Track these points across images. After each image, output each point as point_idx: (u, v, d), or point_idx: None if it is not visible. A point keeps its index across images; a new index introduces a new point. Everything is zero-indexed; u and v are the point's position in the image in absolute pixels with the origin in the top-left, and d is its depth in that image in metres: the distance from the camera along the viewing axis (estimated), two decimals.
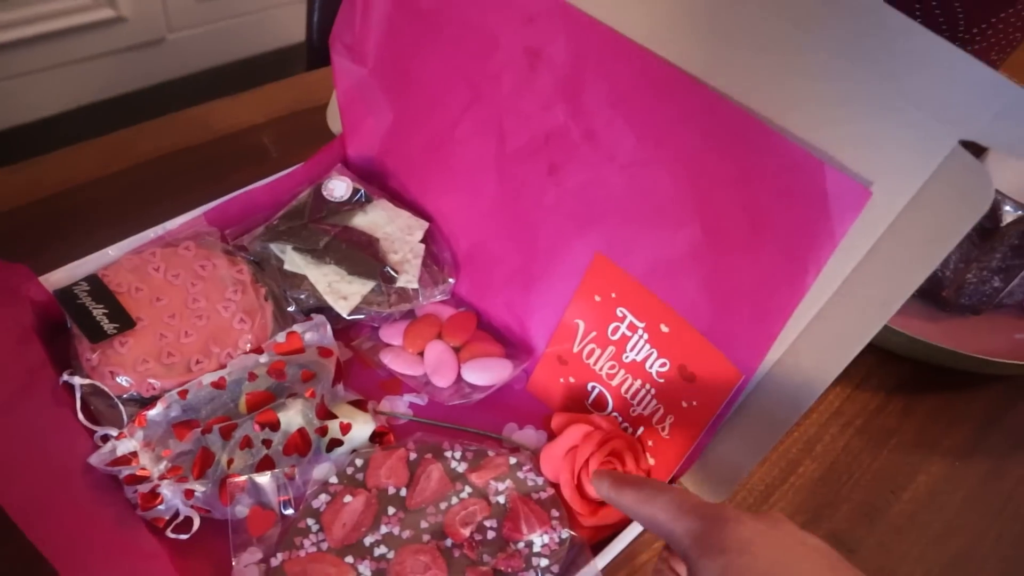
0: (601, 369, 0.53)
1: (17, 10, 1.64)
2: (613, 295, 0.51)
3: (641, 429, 0.53)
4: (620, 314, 0.51)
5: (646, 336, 0.50)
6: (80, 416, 0.48)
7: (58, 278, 0.53)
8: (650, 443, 0.52)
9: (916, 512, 0.59)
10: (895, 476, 0.61)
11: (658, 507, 0.37)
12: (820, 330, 0.43)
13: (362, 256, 0.56)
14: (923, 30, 0.36)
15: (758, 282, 0.44)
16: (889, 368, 0.68)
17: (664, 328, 0.49)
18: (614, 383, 0.53)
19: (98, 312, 0.51)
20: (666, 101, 0.44)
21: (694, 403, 0.49)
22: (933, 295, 0.70)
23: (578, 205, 0.51)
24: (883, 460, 0.62)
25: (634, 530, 0.50)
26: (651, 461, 0.53)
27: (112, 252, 0.55)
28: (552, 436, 0.54)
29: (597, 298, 0.52)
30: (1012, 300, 0.70)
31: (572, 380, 0.55)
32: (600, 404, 0.55)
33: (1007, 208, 0.62)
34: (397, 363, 0.56)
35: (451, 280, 0.58)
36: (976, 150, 0.36)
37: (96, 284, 0.52)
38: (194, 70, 1.97)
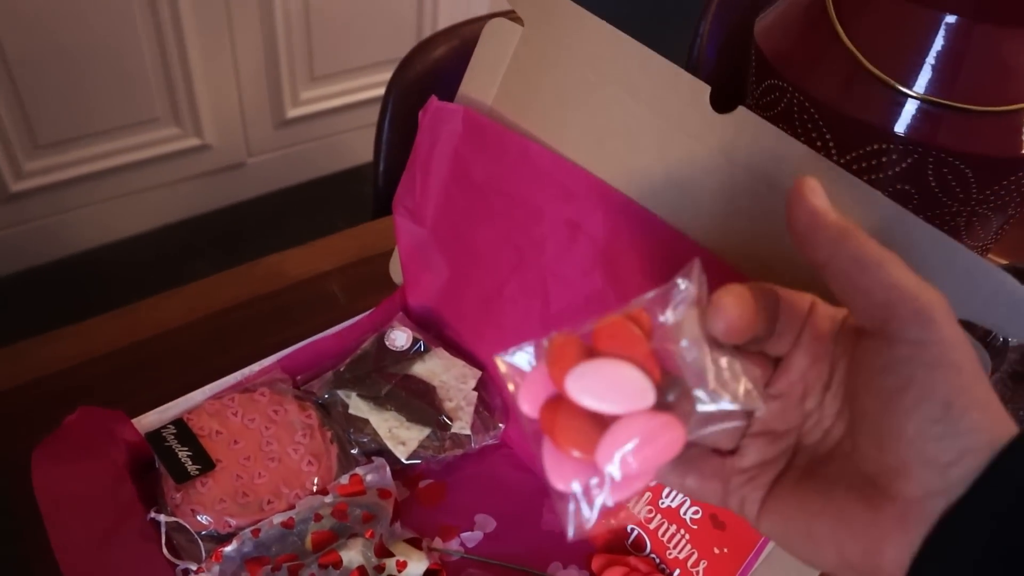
0: (640, 512, 0.57)
1: (117, 140, 1.80)
2: None
3: (677, 572, 0.55)
4: None
5: None
6: (165, 551, 0.53)
7: (149, 420, 0.59)
8: None
9: None
10: None
11: None
12: None
13: (420, 404, 0.61)
14: (917, 220, 0.40)
15: None
16: None
17: None
18: (651, 526, 0.56)
19: (183, 454, 0.57)
20: None
21: (725, 550, 0.52)
22: None
23: None
24: None
25: None
26: None
27: (197, 396, 0.62)
28: None
29: None
30: None
31: (613, 522, 0.59)
32: (639, 546, 0.58)
33: None
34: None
35: (501, 425, 0.63)
36: None
37: (182, 427, 0.59)
38: (270, 190, 2.11)
